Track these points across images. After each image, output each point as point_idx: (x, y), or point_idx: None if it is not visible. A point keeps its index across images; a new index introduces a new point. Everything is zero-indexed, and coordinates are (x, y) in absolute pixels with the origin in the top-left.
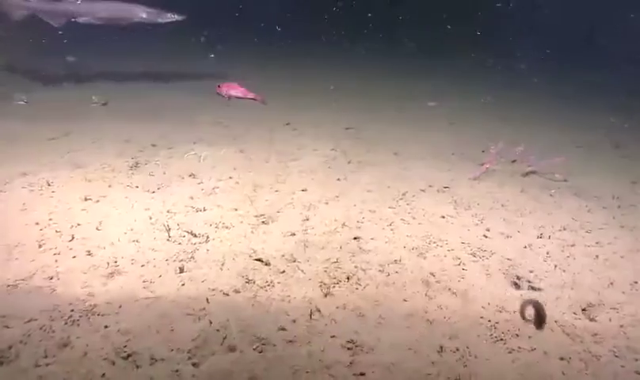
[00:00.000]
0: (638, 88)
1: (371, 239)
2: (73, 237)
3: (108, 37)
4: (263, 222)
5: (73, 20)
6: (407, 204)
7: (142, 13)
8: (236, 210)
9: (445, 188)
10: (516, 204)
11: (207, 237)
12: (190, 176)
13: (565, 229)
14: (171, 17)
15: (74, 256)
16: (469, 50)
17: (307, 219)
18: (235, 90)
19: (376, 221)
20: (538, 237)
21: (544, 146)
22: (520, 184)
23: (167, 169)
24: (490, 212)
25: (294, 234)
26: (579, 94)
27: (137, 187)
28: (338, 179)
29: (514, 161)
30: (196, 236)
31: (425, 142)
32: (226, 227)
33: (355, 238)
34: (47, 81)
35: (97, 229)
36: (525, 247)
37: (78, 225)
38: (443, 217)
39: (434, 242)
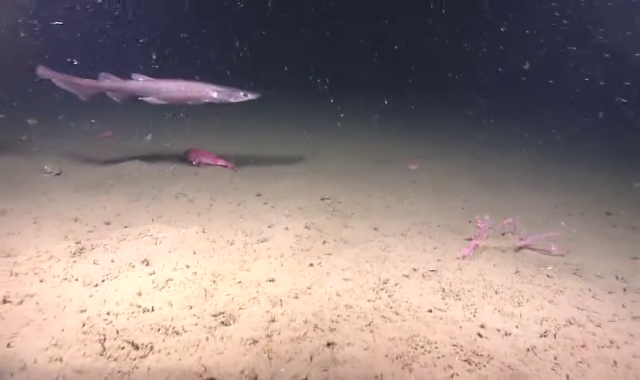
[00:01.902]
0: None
1: (348, 344)
2: None
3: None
4: (222, 322)
5: (140, 99)
6: (389, 296)
7: (212, 93)
8: (191, 307)
9: (431, 271)
10: (512, 290)
11: (152, 348)
12: (143, 262)
13: (571, 323)
14: (244, 96)
15: None
16: (464, 109)
17: (273, 320)
18: (205, 157)
19: (353, 319)
20: (541, 336)
21: (533, 213)
22: (513, 262)
23: (117, 255)
24: (483, 302)
25: (256, 342)
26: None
27: (76, 280)
28: (311, 264)
29: (504, 234)
30: (137, 347)
31: (408, 213)
32: (177, 333)
33: (328, 345)
34: None
35: (7, 345)
36: (528, 349)
37: None
38: (431, 311)
39: (421, 346)
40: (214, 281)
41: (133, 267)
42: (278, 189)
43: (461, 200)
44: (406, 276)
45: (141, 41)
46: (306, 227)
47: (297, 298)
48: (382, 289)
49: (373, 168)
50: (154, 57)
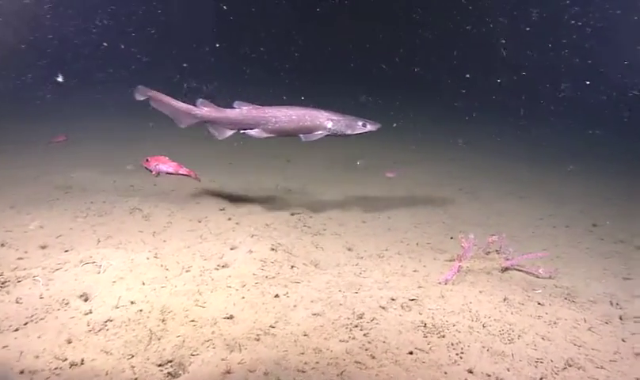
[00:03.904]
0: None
1: None
2: None
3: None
4: (169, 374)
5: (242, 132)
6: (364, 335)
7: (326, 123)
8: (132, 356)
9: (411, 300)
10: (501, 323)
11: None
12: (81, 297)
13: (569, 364)
14: (362, 126)
15: None
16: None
17: (229, 371)
18: (166, 165)
19: (323, 367)
20: None
21: (518, 227)
22: (500, 287)
23: (49, 289)
24: (470, 339)
25: None
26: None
27: None
28: (277, 295)
29: (488, 253)
30: None
31: (385, 230)
32: None
33: None
34: None
35: None
36: None
37: None
38: (411, 353)
39: None
40: (163, 320)
41: (67, 304)
42: (245, 202)
43: (442, 212)
44: (383, 308)
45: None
46: (273, 249)
47: (258, 340)
48: (357, 326)
49: (349, 176)
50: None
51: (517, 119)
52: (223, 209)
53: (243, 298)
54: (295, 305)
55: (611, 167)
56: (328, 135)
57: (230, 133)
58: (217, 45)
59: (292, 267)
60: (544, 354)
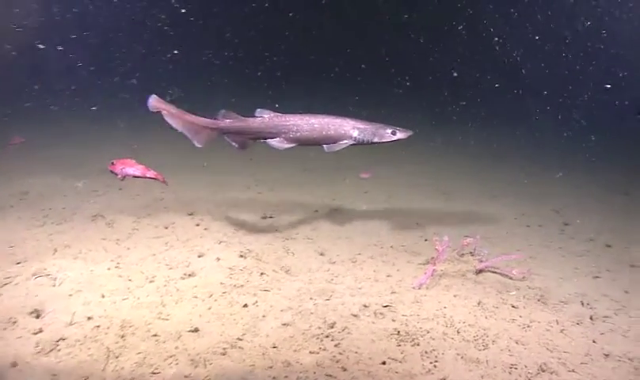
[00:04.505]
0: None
1: None
2: None
3: None
4: None
5: (262, 142)
6: (335, 345)
7: (352, 131)
8: (86, 379)
9: (385, 307)
10: (476, 328)
11: None
12: (31, 314)
13: (543, 370)
14: (392, 134)
15: None
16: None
17: None
18: (132, 168)
19: None
20: None
21: (492, 227)
22: (474, 290)
23: None
24: (445, 345)
25: None
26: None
27: None
28: (245, 305)
29: (463, 255)
30: None
31: (358, 233)
32: None
33: None
34: None
35: None
36: None
37: None
38: (384, 363)
39: None
40: (122, 336)
41: (14, 323)
42: (215, 206)
43: (416, 214)
44: (356, 316)
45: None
46: (242, 256)
47: (225, 354)
48: (328, 336)
49: (323, 177)
50: None
51: (513, 128)
52: (192, 214)
53: (210, 308)
54: (264, 315)
55: (598, 170)
56: (354, 144)
57: (251, 144)
58: (175, 52)
59: (262, 274)
60: (518, 359)
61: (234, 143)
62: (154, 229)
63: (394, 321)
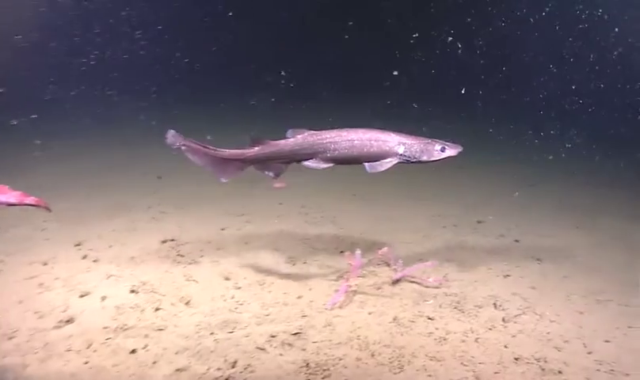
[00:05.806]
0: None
1: None
2: None
3: None
4: None
5: (301, 164)
6: None
7: (397, 147)
8: None
9: (294, 335)
10: (391, 349)
11: None
12: None
13: None
14: (441, 151)
15: None
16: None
17: None
18: (6, 195)
19: None
20: None
21: (408, 231)
22: (389, 305)
23: None
24: (358, 374)
25: None
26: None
27: None
28: (133, 350)
29: (378, 265)
30: None
31: (269, 250)
32: None
33: None
34: None
35: None
36: None
37: None
38: None
39: None
40: None
41: None
42: (108, 232)
43: (331, 222)
44: (261, 349)
45: None
46: (133, 291)
47: None
48: (228, 378)
49: (234, 190)
50: None
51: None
52: (79, 244)
53: (86, 363)
54: (155, 361)
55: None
56: (400, 163)
57: (286, 168)
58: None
59: (157, 309)
60: (434, 379)
61: (267, 172)
62: (28, 266)
63: (303, 350)
